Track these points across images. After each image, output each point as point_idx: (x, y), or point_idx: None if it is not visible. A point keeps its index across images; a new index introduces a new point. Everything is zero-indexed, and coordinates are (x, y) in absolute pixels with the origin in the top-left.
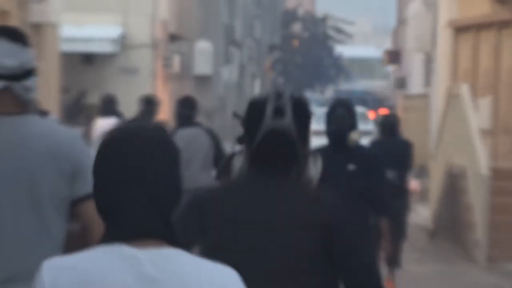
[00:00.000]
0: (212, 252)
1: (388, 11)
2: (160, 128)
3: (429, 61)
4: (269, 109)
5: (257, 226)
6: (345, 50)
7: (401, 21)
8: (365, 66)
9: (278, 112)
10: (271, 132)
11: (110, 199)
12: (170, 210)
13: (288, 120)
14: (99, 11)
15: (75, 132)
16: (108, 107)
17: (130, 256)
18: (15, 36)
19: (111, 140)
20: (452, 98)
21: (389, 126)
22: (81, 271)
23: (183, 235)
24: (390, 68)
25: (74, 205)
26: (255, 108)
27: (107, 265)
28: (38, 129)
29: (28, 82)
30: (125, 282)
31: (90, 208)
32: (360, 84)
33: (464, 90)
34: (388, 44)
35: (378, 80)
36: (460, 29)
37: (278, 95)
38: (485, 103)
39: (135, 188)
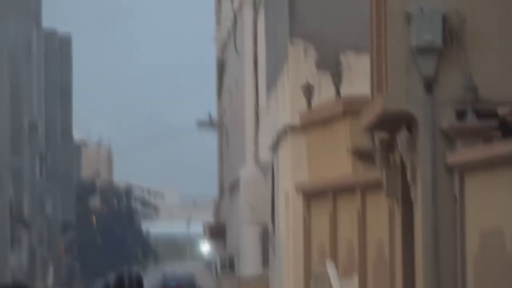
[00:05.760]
0: None
1: (201, 180)
2: None
3: (266, 235)
4: None
5: None
6: (152, 226)
7: (224, 191)
8: (172, 244)
9: None
10: None
11: None
12: None
13: None
14: None
15: None
16: None
17: None
18: None
19: None
20: (311, 279)
21: None
22: None
23: None
24: (209, 246)
25: None
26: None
27: None
28: None
29: None
30: None
31: None
32: (173, 266)
33: (328, 269)
34: (200, 218)
35: (189, 261)
36: (312, 195)
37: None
38: (351, 285)
39: None
